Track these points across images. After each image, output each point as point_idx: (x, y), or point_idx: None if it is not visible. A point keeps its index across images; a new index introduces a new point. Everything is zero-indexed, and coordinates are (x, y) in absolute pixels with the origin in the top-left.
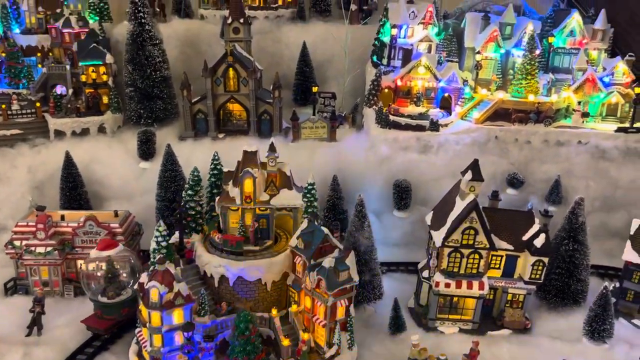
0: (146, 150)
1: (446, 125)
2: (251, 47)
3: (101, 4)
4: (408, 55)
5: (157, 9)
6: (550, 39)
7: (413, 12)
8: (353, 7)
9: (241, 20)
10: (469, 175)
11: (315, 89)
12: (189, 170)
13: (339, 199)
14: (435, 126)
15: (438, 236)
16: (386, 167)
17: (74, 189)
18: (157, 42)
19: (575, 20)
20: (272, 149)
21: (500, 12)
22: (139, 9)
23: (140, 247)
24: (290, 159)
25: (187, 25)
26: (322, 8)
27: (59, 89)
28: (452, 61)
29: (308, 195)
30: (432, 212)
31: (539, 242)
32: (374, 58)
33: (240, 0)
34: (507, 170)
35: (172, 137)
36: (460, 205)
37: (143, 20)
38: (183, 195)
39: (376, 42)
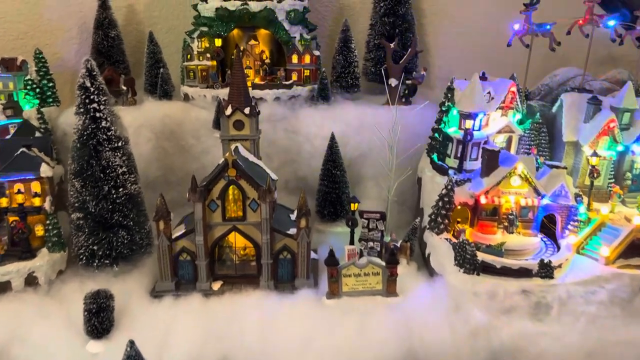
0: (97, 326)
1: (559, 266)
2: (259, 145)
3: (43, 82)
4: (494, 158)
5: (123, 87)
6: None
7: (489, 93)
8: (393, 81)
9: (246, 111)
10: None
11: (354, 207)
12: None
13: None
14: (548, 270)
15: None
16: (484, 343)
17: None
18: (121, 143)
19: None
20: None
21: (605, 89)
22: (92, 96)
23: None
24: (328, 332)
25: (166, 109)
26: (350, 82)
27: None
28: (557, 167)
29: None
30: None
31: None
32: (434, 157)
33: (244, 78)
34: None
35: (142, 291)
36: None
37: (98, 114)
38: None
39: (436, 135)
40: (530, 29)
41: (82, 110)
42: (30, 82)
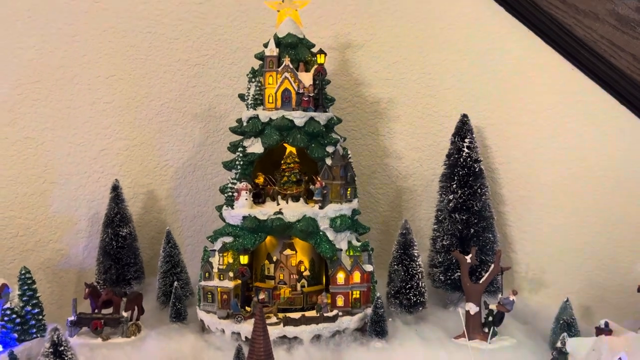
0: None
1: None
2: None
3: (26, 309)
4: None
5: (124, 314)
6: None
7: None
8: (471, 307)
9: None
10: None
11: None
12: None
13: None
14: None
15: None
16: None
17: None
18: None
19: None
20: None
21: None
22: None
23: None
24: None
25: (172, 349)
26: (413, 300)
27: None
28: None
29: None
30: None
31: None
32: None
33: (268, 344)
34: None
35: None
36: None
37: None
38: None
39: None
40: None
41: None
42: (9, 312)
